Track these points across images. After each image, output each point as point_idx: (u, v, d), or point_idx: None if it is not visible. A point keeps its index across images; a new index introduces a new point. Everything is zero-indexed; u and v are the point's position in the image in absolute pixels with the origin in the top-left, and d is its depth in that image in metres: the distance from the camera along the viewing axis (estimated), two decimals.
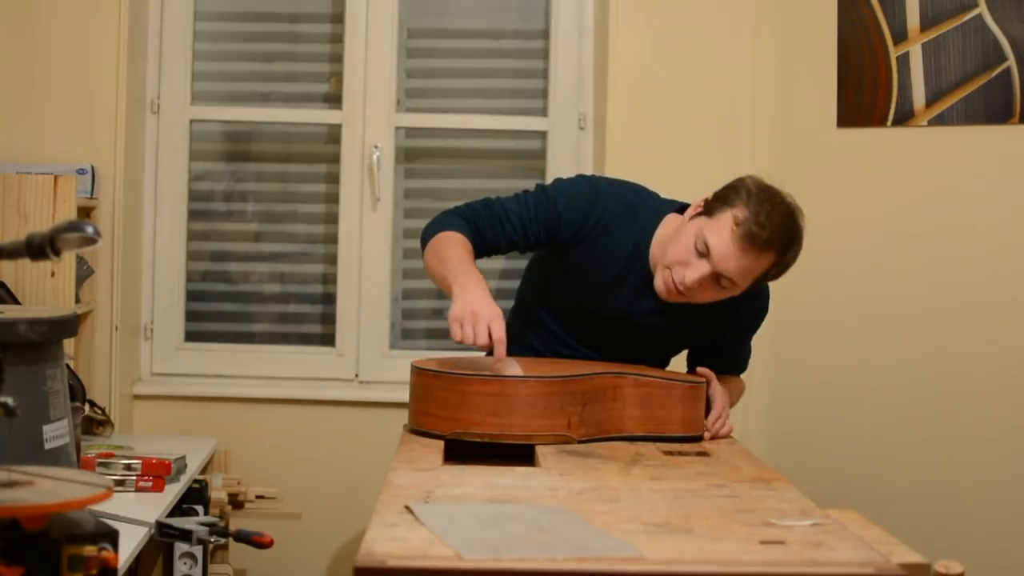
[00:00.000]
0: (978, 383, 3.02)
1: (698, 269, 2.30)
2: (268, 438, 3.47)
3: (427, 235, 2.47)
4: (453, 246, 2.37)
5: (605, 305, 2.48)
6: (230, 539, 2.19)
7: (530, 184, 3.62)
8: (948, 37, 3.06)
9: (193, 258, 3.62)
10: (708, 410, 2.43)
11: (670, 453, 2.20)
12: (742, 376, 2.72)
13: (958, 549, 2.70)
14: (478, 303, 2.21)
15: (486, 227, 2.45)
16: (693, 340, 2.60)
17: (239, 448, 3.42)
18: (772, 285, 2.66)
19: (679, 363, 2.73)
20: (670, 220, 2.45)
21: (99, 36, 3.27)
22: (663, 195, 2.59)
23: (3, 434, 1.72)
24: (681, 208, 2.47)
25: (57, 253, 1.44)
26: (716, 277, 2.30)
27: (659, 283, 2.37)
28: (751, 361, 2.75)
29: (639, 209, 2.46)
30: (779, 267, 2.35)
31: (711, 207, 2.33)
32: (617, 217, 2.44)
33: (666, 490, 1.86)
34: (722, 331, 2.58)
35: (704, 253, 2.29)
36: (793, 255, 2.34)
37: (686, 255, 2.31)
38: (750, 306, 2.58)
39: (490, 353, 2.32)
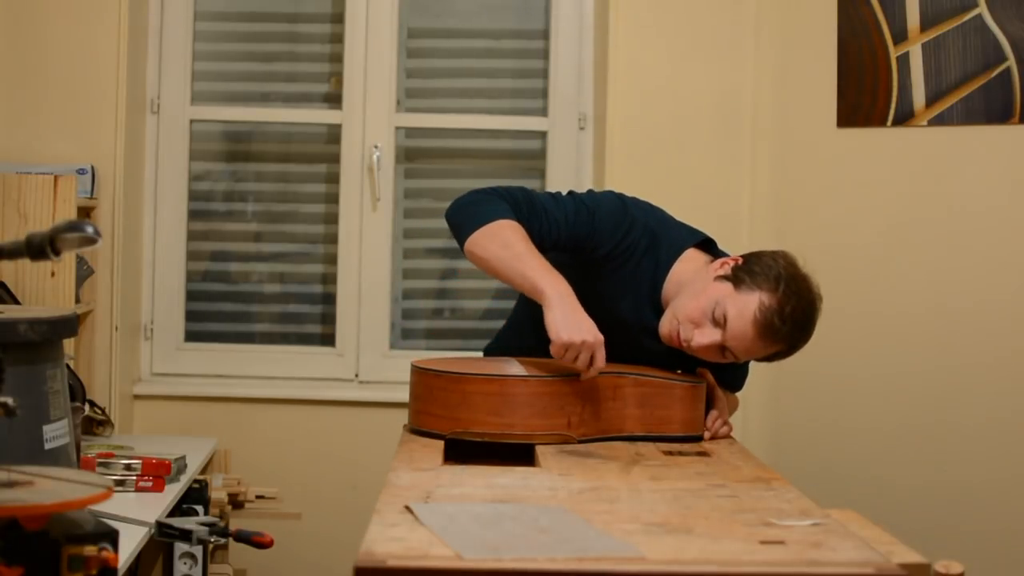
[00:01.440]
0: (979, 383, 3.02)
1: (708, 335, 2.27)
2: (268, 438, 3.47)
3: (475, 216, 2.33)
4: (521, 238, 2.28)
5: (614, 329, 2.46)
6: (230, 539, 2.19)
7: (531, 184, 3.63)
8: (948, 37, 3.06)
9: (193, 258, 3.62)
10: (707, 410, 2.43)
11: (670, 453, 2.20)
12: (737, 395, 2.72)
13: (958, 549, 2.70)
14: (585, 328, 2.19)
15: (526, 219, 2.36)
16: (697, 365, 2.57)
17: (239, 448, 3.42)
18: None
19: None
20: (690, 255, 2.41)
21: (99, 36, 3.27)
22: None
23: (3, 434, 1.72)
24: (701, 242, 2.44)
25: (57, 253, 1.44)
26: (723, 348, 2.29)
27: (664, 328, 2.33)
28: (751, 364, 2.75)
29: (660, 239, 2.42)
30: (783, 355, 2.34)
31: (739, 277, 2.27)
32: (643, 248, 2.40)
33: (666, 490, 1.86)
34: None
35: (720, 324, 2.26)
36: (800, 347, 2.33)
37: (700, 317, 2.28)
38: None
39: (492, 354, 2.31)
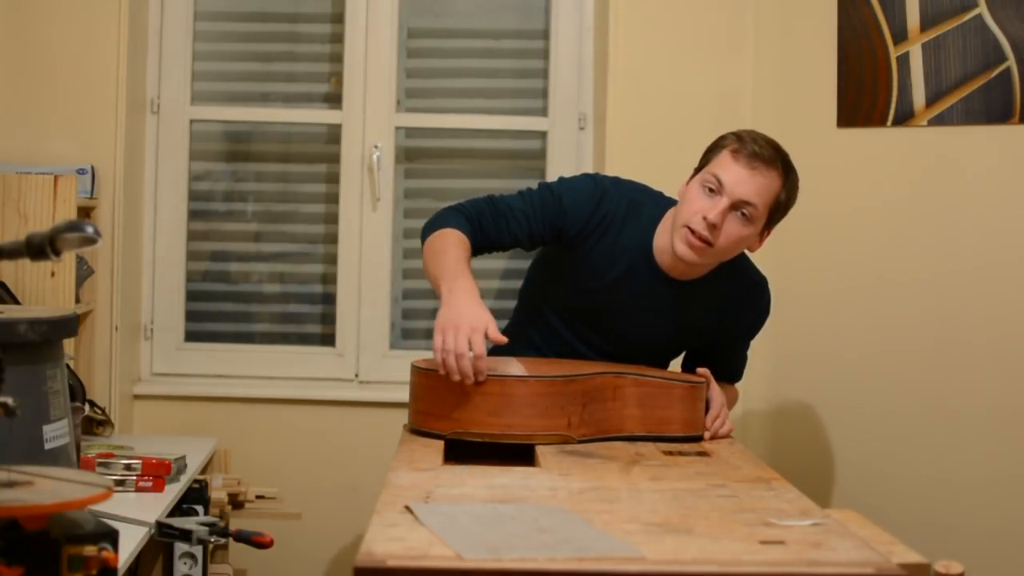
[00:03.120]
0: (979, 383, 3.02)
1: (717, 205, 2.34)
2: (268, 438, 3.47)
3: (427, 231, 2.47)
4: (450, 245, 2.37)
5: (611, 302, 2.49)
6: (230, 539, 2.19)
7: (530, 184, 3.63)
8: (948, 37, 3.06)
9: (193, 258, 3.62)
10: (707, 410, 2.43)
11: (670, 453, 2.20)
12: (736, 386, 2.73)
13: (958, 549, 2.70)
14: (462, 313, 2.20)
15: (490, 224, 2.46)
16: (696, 340, 2.59)
17: (239, 448, 3.42)
18: (773, 284, 2.66)
19: (676, 366, 2.73)
20: (671, 213, 2.47)
21: (99, 36, 3.27)
22: (665, 195, 2.60)
23: (3, 434, 1.72)
24: None
25: (57, 253, 1.45)
26: (736, 207, 2.34)
27: (680, 244, 2.38)
28: (751, 360, 2.75)
29: (642, 205, 2.50)
30: (788, 190, 2.41)
31: (702, 162, 2.43)
32: (622, 215, 2.46)
33: (666, 490, 1.86)
34: (724, 333, 2.58)
35: (717, 189, 2.35)
36: (795, 179, 2.43)
37: (699, 204, 2.36)
38: (755, 307, 2.59)
39: (492, 353, 2.33)
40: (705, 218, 2.32)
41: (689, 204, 2.37)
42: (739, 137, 2.39)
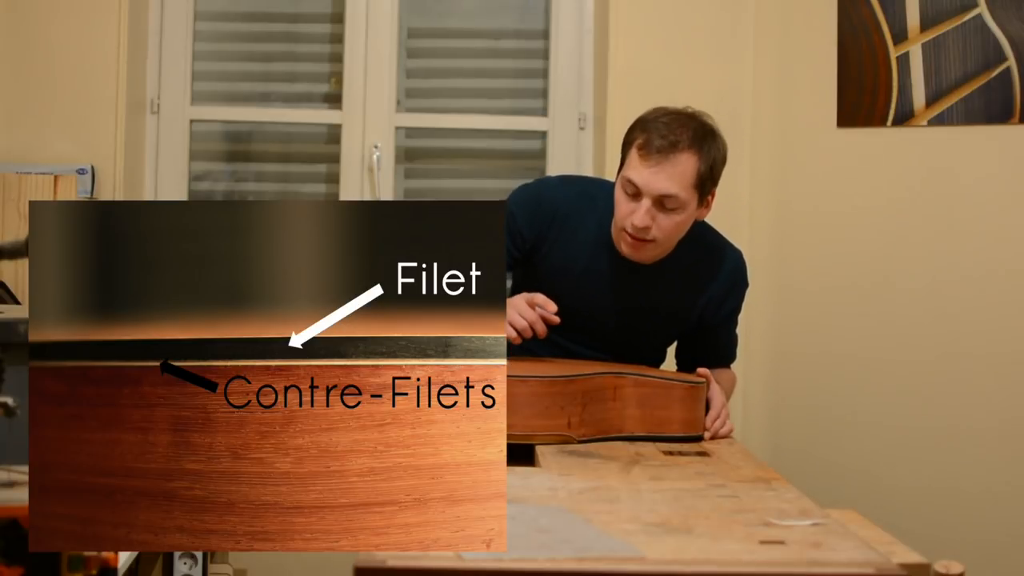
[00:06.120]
0: (979, 383, 3.02)
1: (640, 208, 2.35)
2: None
3: None
4: None
5: (585, 297, 2.51)
6: None
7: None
8: (948, 37, 3.06)
9: None
10: (707, 410, 2.44)
11: (670, 453, 2.20)
12: (736, 385, 2.73)
13: (958, 549, 2.70)
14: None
15: None
16: (677, 322, 2.59)
17: None
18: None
19: (672, 363, 2.73)
20: None
21: (99, 36, 3.27)
22: None
23: (3, 434, 1.72)
24: None
25: None
26: (657, 204, 2.35)
27: (624, 247, 2.43)
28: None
29: (595, 197, 2.54)
30: (706, 160, 2.37)
31: (622, 154, 2.42)
32: (575, 209, 2.51)
33: (666, 490, 1.86)
34: (702, 309, 2.57)
35: (634, 192, 2.36)
36: (716, 146, 2.39)
37: (624, 208, 2.39)
38: (722, 275, 2.58)
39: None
40: (633, 224, 2.35)
41: (618, 208, 2.41)
42: (644, 129, 2.36)
